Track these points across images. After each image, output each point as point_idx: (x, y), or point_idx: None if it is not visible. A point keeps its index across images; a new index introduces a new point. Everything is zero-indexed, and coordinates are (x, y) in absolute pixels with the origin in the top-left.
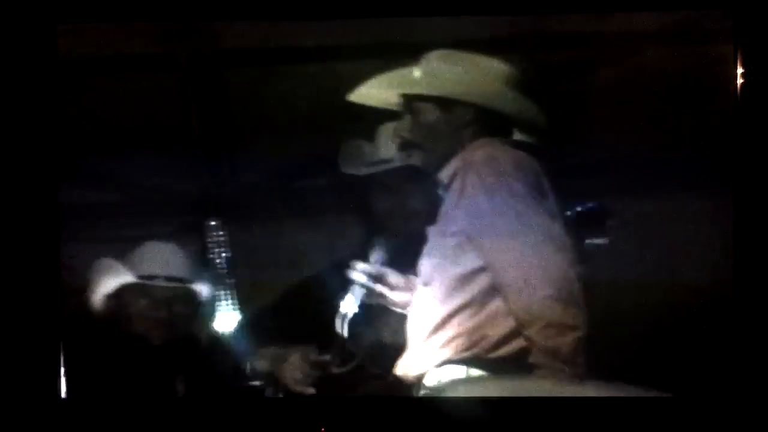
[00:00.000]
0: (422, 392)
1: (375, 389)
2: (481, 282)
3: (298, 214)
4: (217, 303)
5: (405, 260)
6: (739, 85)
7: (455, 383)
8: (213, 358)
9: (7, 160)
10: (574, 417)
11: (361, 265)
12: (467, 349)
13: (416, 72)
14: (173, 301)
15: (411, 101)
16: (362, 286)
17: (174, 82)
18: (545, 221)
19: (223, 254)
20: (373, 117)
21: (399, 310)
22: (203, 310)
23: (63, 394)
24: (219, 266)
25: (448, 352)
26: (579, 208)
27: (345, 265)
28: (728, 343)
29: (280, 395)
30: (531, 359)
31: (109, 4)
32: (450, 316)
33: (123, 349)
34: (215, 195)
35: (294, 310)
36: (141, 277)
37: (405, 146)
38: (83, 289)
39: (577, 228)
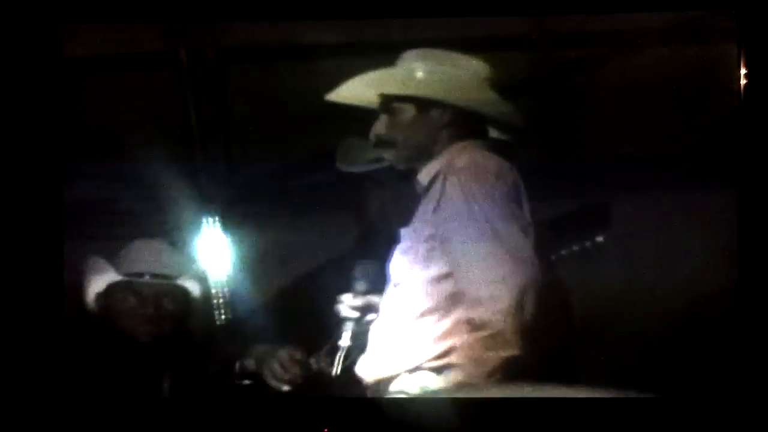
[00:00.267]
0: (386, 395)
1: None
2: (448, 287)
3: (294, 212)
4: (210, 301)
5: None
6: (742, 86)
7: (423, 390)
8: (203, 356)
9: (10, 158)
10: (568, 418)
11: (348, 300)
12: (435, 357)
13: (394, 71)
14: (161, 299)
15: (389, 101)
16: (353, 320)
17: (173, 80)
18: (516, 234)
19: (218, 252)
20: (370, 115)
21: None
22: (193, 308)
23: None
24: (212, 264)
25: (413, 358)
26: (577, 207)
27: (340, 264)
28: (729, 347)
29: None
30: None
31: (111, 4)
32: (417, 320)
33: (113, 347)
34: (212, 193)
35: (286, 309)
36: (129, 274)
37: (380, 144)
38: (76, 287)
39: (577, 227)
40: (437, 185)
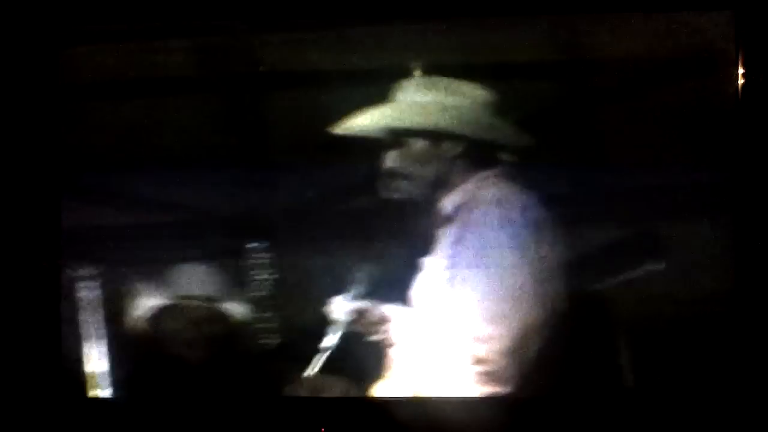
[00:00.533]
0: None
1: None
2: (460, 317)
3: (338, 235)
4: (257, 324)
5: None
6: (740, 85)
7: None
8: (247, 377)
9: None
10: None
11: (340, 302)
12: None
13: (399, 104)
14: (208, 321)
15: (397, 133)
16: (342, 323)
17: (217, 103)
18: (534, 275)
19: (264, 276)
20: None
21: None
22: (237, 331)
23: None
24: (259, 287)
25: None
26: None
27: (385, 285)
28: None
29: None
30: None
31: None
32: (428, 346)
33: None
34: (257, 218)
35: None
36: (176, 298)
37: (393, 177)
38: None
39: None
40: (463, 215)
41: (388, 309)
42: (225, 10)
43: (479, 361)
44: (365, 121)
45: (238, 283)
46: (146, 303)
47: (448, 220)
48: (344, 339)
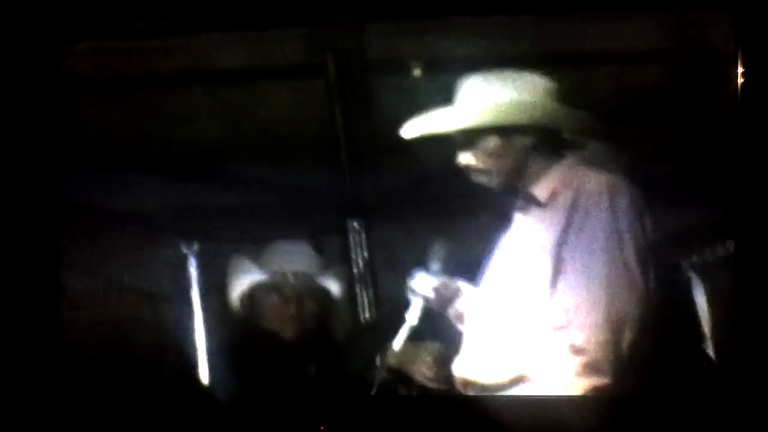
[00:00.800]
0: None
1: None
2: (560, 305)
3: (436, 216)
4: (354, 301)
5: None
6: (740, 84)
7: None
8: (344, 353)
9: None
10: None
11: (422, 276)
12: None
13: (466, 105)
14: (303, 297)
15: (469, 134)
16: (423, 297)
17: (322, 88)
18: (635, 260)
19: (363, 254)
20: None
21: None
22: (334, 307)
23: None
24: (358, 265)
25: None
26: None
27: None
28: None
29: (414, 393)
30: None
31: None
32: (523, 332)
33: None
34: (357, 197)
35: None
36: (272, 274)
37: (473, 172)
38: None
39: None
40: (560, 201)
41: (473, 288)
42: None
43: (577, 351)
44: (434, 124)
45: (333, 260)
46: (243, 280)
47: (539, 206)
48: (428, 314)
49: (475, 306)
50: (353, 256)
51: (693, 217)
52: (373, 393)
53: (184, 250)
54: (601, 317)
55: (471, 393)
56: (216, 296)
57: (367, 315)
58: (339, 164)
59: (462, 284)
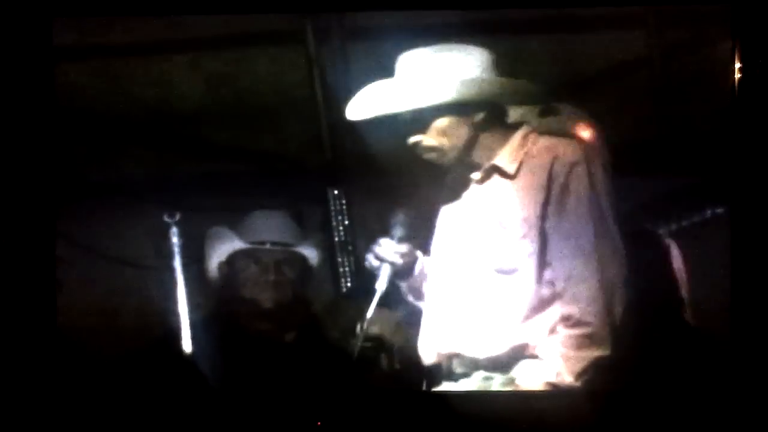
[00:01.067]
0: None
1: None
2: (548, 277)
3: (416, 183)
4: (335, 269)
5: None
6: (737, 79)
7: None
8: (323, 321)
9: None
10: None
11: (387, 242)
12: (517, 347)
13: (407, 84)
14: (281, 265)
15: (416, 113)
16: (390, 263)
17: (302, 55)
18: (615, 228)
19: (344, 222)
20: None
21: (412, 300)
22: (312, 275)
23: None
24: (339, 233)
25: (494, 344)
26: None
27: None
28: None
29: (397, 366)
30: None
31: None
32: (511, 308)
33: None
34: (337, 166)
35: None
36: (251, 242)
37: (426, 151)
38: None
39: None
40: (540, 175)
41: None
42: None
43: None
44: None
45: (313, 228)
46: (222, 249)
47: (509, 178)
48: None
49: (439, 277)
50: (334, 224)
51: (667, 184)
52: (353, 361)
53: (167, 219)
54: (593, 287)
55: (459, 369)
56: (198, 265)
57: (348, 283)
58: (319, 133)
59: (421, 255)
